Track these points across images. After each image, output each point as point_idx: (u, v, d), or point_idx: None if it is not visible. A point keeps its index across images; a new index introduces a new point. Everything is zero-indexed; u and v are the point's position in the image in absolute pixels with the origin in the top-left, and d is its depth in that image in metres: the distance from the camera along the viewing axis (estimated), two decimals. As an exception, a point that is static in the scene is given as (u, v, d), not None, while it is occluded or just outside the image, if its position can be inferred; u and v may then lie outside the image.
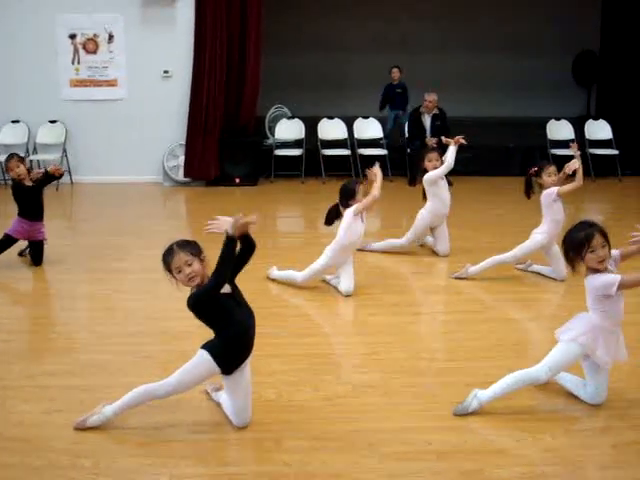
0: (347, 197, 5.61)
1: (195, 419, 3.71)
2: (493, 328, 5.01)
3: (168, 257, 3.52)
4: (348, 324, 5.12)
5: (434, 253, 6.73)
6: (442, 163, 6.53)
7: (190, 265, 3.49)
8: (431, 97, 10.34)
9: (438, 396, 3.96)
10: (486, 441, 3.53)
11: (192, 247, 3.56)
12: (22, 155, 6.66)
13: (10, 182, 6.61)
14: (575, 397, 3.94)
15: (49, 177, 6.30)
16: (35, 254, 6.38)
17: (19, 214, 6.32)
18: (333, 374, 4.23)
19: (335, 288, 5.68)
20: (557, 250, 5.69)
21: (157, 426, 3.63)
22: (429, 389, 4.05)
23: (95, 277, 6.27)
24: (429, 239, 6.88)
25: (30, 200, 6.31)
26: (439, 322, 5.18)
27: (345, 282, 5.56)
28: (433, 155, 6.61)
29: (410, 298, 5.57)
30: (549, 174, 5.87)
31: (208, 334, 4.44)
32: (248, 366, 3.64)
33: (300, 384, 4.07)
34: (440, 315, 5.28)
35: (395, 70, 11.60)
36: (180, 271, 3.49)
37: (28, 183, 6.33)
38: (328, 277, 5.82)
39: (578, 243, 3.64)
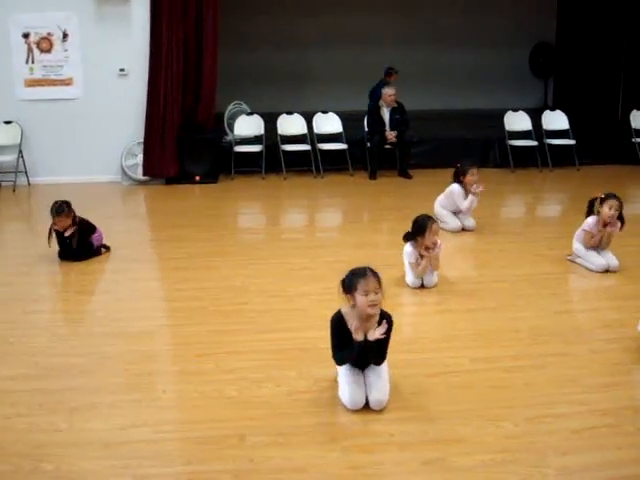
0: (416, 232, 5.61)
1: (158, 418, 3.70)
2: (452, 319, 5.07)
3: (359, 277, 3.67)
4: (309, 319, 5.11)
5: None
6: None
7: (377, 294, 3.66)
8: (390, 91, 10.40)
9: (398, 388, 3.98)
10: (447, 430, 3.56)
11: (380, 280, 3.72)
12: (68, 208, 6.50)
13: None
14: (534, 385, 4.00)
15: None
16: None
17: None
18: (295, 369, 4.23)
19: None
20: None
21: (120, 427, 3.61)
22: (390, 380, 4.07)
23: (55, 279, 6.20)
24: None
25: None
26: (398, 314, 5.18)
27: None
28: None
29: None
30: (610, 206, 5.94)
31: (170, 334, 4.41)
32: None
33: (262, 380, 4.07)
34: (401, 307, 5.32)
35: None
36: (367, 294, 3.64)
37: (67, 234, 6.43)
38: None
39: None
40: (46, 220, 6.57)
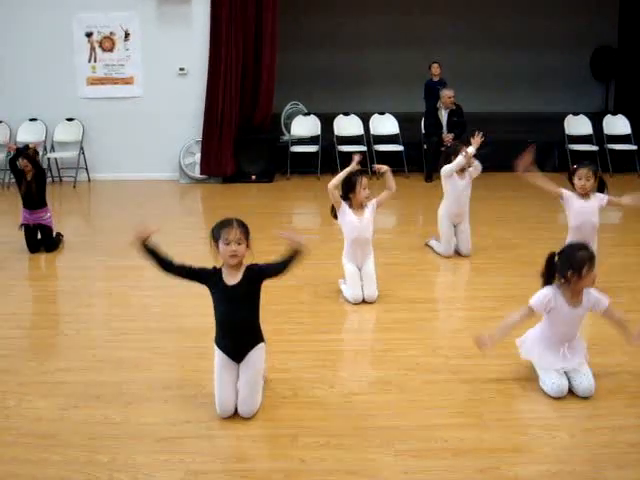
0: (346, 190, 5.47)
1: (212, 415, 3.71)
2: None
3: (223, 227, 3.67)
4: (363, 321, 5.10)
5: (456, 253, 6.62)
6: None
7: (239, 244, 3.65)
8: (449, 93, 10.30)
9: (454, 393, 3.94)
10: (503, 439, 3.50)
11: (247, 230, 3.72)
12: (32, 151, 6.72)
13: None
14: (594, 396, 3.90)
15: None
16: (44, 240, 6.69)
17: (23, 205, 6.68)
18: (348, 371, 4.22)
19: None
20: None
21: (174, 422, 3.64)
22: (445, 386, 4.03)
23: (112, 274, 6.29)
24: (432, 242, 6.81)
25: (28, 190, 6.62)
26: (455, 319, 5.15)
27: (366, 288, 5.40)
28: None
29: (426, 295, 5.54)
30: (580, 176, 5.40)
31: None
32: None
33: (316, 381, 4.06)
34: (456, 312, 5.26)
35: (436, 65, 11.16)
36: (228, 244, 3.63)
37: (28, 177, 6.63)
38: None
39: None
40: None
